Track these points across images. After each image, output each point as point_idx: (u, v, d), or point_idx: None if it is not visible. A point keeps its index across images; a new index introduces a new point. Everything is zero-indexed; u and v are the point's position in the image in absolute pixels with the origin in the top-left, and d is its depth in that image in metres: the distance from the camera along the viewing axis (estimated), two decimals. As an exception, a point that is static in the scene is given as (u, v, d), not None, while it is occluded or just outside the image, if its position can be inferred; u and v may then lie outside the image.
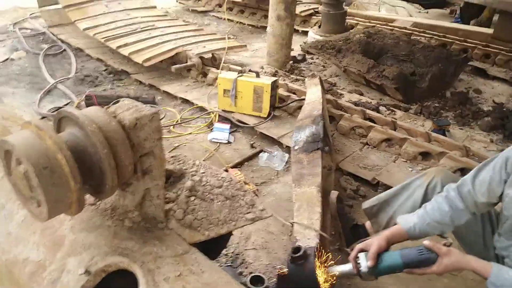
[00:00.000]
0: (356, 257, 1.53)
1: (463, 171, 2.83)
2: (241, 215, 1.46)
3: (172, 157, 1.70)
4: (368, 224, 2.11)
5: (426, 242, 1.45)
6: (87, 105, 3.74)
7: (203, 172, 1.63)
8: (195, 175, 1.58)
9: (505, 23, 3.92)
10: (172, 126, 3.59)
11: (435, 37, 5.62)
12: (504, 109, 3.98)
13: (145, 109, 1.23)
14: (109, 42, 4.70)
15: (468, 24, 6.66)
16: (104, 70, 4.70)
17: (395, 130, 3.31)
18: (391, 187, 2.71)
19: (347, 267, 1.57)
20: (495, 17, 7.11)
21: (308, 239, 1.87)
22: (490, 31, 5.52)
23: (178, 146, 3.30)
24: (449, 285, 2.07)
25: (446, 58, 4.45)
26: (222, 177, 1.62)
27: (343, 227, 2.20)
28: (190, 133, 3.51)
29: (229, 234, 1.52)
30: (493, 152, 3.24)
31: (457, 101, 4.19)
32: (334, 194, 2.22)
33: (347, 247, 2.15)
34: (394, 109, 3.92)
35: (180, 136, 3.48)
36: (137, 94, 4.16)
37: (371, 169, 2.96)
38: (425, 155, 3.05)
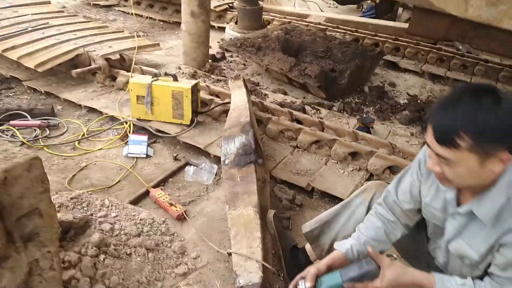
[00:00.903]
0: (297, 285, 1.42)
1: (392, 169, 2.84)
2: (169, 270, 1.16)
3: (71, 199, 1.31)
4: (308, 247, 1.94)
5: (369, 248, 1.39)
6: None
7: (115, 216, 1.28)
8: (104, 222, 1.23)
9: (419, 19, 4.13)
10: (77, 142, 3.08)
11: (348, 32, 5.76)
12: (419, 101, 4.17)
13: (18, 155, 0.86)
14: (-8, 45, 3.92)
15: (382, 18, 6.96)
16: (-13, 78, 3.92)
17: (323, 130, 3.23)
18: (326, 193, 2.67)
19: None
20: (399, 12, 7.61)
21: (250, 272, 1.64)
22: (400, 25, 5.81)
23: (86, 166, 2.82)
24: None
25: (362, 53, 4.53)
26: (141, 220, 1.30)
27: (283, 249, 2.01)
28: (100, 149, 3.03)
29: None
30: (415, 146, 3.33)
31: (375, 96, 4.30)
32: (271, 213, 2.01)
33: (287, 272, 1.95)
34: (318, 107, 3.87)
35: (88, 153, 2.98)
36: (31, 105, 3.51)
37: (304, 175, 2.83)
38: (354, 155, 3.01)
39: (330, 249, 1.79)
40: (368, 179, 2.82)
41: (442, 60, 5.10)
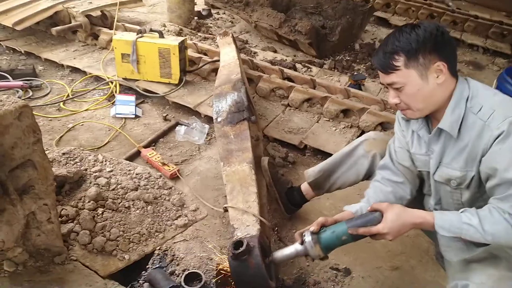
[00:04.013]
0: (303, 234, 1.42)
1: (383, 125, 2.85)
2: (169, 222, 1.15)
3: (63, 154, 1.27)
4: (303, 187, 2.03)
5: (363, 202, 1.48)
6: None
7: (111, 171, 1.25)
8: (99, 177, 1.20)
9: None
10: (62, 103, 2.97)
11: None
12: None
13: (7, 102, 0.81)
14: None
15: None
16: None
17: (314, 88, 3.19)
18: (319, 150, 2.68)
19: (291, 248, 1.44)
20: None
21: (248, 226, 1.64)
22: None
23: (73, 127, 2.74)
24: (386, 243, 2.05)
25: (353, 9, 4.41)
26: (137, 174, 1.27)
27: (279, 193, 2.07)
28: (86, 110, 2.94)
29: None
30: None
31: (366, 53, 4.24)
32: (265, 160, 2.02)
33: (287, 213, 2.12)
34: (309, 65, 3.81)
35: (74, 114, 2.89)
36: (12, 66, 3.36)
37: (296, 133, 2.81)
38: (346, 112, 2.99)
39: (329, 190, 1.95)
40: (359, 136, 2.82)
41: (433, 16, 5.03)
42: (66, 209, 1.07)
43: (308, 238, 1.39)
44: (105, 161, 1.28)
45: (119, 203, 1.12)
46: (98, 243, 1.02)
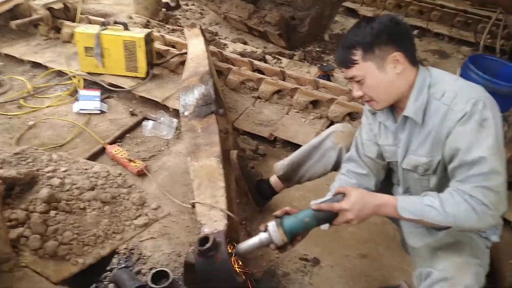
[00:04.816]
0: (266, 225, 1.40)
1: (351, 115, 2.88)
2: (128, 222, 1.11)
3: (15, 154, 1.20)
4: (273, 179, 2.05)
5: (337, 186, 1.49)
6: None
7: (65, 170, 1.19)
8: (53, 177, 1.15)
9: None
10: (22, 100, 2.84)
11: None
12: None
13: None
14: None
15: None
16: None
17: (284, 80, 3.18)
18: (289, 142, 2.68)
19: (255, 238, 1.42)
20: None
21: (215, 221, 1.62)
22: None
23: (34, 124, 2.63)
24: (354, 232, 2.08)
25: (322, 0, 4.41)
26: (94, 173, 1.22)
27: (249, 187, 2.09)
28: (48, 106, 2.83)
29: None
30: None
31: (335, 44, 4.26)
32: (234, 153, 2.00)
33: (257, 206, 2.13)
34: (279, 57, 3.80)
35: (35, 111, 2.78)
36: (-35, 61, 3.18)
37: (266, 125, 2.80)
38: (316, 103, 3.01)
39: (299, 182, 1.97)
40: (328, 127, 2.84)
41: (400, 6, 5.11)
42: (16, 213, 1.02)
43: (271, 223, 1.38)
44: (60, 160, 1.23)
45: (73, 205, 1.07)
46: (49, 248, 0.97)
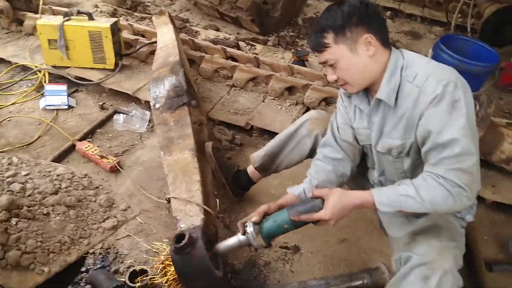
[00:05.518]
0: (245, 224, 1.41)
1: (327, 100, 2.87)
2: (95, 225, 1.06)
3: (-30, 160, 1.13)
4: (250, 169, 2.03)
5: (313, 190, 1.46)
6: None
7: (27, 174, 1.13)
8: (13, 182, 1.08)
9: None
10: (-17, 98, 2.70)
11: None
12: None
13: None
14: None
15: None
16: None
17: (258, 66, 3.13)
18: (266, 130, 2.65)
19: (234, 238, 1.43)
20: None
21: (191, 216, 1.59)
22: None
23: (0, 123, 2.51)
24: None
25: (294, -17, 4.35)
26: (58, 175, 1.16)
27: (226, 178, 2.06)
28: (13, 103, 2.70)
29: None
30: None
31: (309, 28, 4.22)
32: (209, 145, 1.97)
33: (235, 197, 2.11)
34: (253, 43, 3.73)
35: (0, 108, 2.64)
36: None
37: (242, 114, 2.76)
38: (291, 90, 2.98)
39: (276, 171, 1.96)
40: (305, 113, 2.82)
41: (373, -12, 5.08)
42: (-28, 223, 0.95)
43: (250, 229, 1.39)
44: (21, 163, 1.16)
45: (36, 211, 1.02)
46: (12, 258, 0.92)
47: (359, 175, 1.69)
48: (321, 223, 1.36)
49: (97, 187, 1.15)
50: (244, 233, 1.39)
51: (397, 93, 1.31)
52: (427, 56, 2.28)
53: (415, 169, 1.41)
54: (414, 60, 1.32)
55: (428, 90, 1.23)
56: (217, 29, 3.95)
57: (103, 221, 1.07)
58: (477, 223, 2.11)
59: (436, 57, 3.01)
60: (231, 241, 1.43)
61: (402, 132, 1.34)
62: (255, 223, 1.38)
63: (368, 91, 1.42)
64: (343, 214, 1.32)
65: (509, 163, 2.25)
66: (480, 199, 2.20)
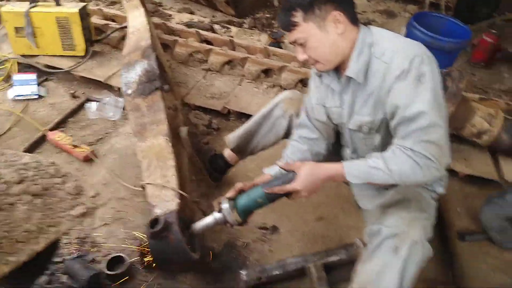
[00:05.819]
0: (220, 202, 1.43)
1: (303, 81, 2.86)
2: (63, 213, 1.04)
3: None
4: (226, 152, 2.03)
5: (279, 162, 1.52)
6: None
7: (-10, 165, 1.10)
8: (-25, 174, 1.05)
9: None
10: None
11: None
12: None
13: None
14: None
15: None
16: None
17: (234, 49, 3.09)
18: (243, 113, 2.64)
19: (210, 217, 1.44)
20: None
21: (167, 201, 1.59)
22: None
23: (-35, 116, 2.42)
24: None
25: (269, -37, 4.28)
26: (24, 164, 1.13)
27: (203, 162, 2.06)
28: (-20, 95, 2.60)
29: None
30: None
31: (285, 9, 4.17)
32: (184, 130, 1.95)
33: (213, 181, 2.10)
34: (228, 25, 3.67)
35: (-35, 101, 2.55)
36: None
37: (219, 98, 2.73)
38: (268, 72, 2.96)
39: (252, 153, 1.98)
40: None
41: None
42: None
43: (225, 205, 1.39)
44: (-17, 154, 1.12)
45: (1, 201, 0.99)
46: (-24, 250, 0.90)
47: (334, 153, 1.71)
48: (294, 195, 1.36)
49: (64, 175, 1.13)
50: (220, 210, 1.39)
51: (366, 70, 1.32)
52: (400, 33, 2.29)
53: (386, 145, 1.42)
54: (383, 37, 1.33)
55: (395, 66, 1.25)
56: (191, 12, 3.87)
57: (72, 209, 1.06)
58: (450, 196, 2.17)
59: (409, 35, 3.04)
60: (207, 220, 1.44)
61: (372, 109, 1.36)
62: (230, 199, 1.39)
63: (338, 69, 1.43)
64: (315, 186, 1.33)
65: (480, 137, 2.31)
66: (453, 172, 2.26)
